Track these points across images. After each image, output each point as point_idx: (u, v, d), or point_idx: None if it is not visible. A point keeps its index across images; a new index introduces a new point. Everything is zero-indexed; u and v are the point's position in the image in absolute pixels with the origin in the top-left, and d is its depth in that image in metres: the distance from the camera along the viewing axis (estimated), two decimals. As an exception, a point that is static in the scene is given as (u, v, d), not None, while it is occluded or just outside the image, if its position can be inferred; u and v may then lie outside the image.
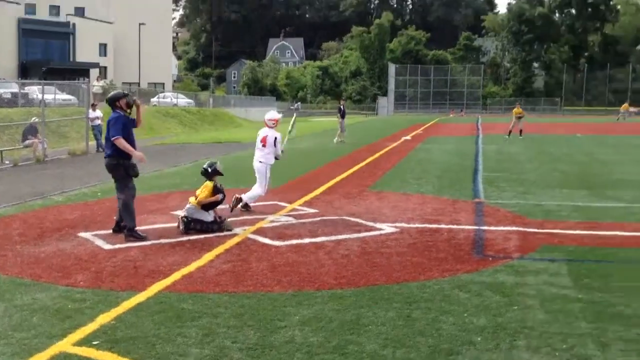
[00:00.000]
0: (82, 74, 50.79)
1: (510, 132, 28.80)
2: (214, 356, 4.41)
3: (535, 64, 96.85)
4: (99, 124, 21.10)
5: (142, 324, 5.02)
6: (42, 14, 61.39)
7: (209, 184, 8.63)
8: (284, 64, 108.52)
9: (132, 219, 8.02)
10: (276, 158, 10.12)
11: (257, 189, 9.99)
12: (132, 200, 8.09)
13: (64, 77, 42.69)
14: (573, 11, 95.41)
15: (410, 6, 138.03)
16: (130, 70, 62.50)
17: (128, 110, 8.23)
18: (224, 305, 5.49)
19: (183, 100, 49.18)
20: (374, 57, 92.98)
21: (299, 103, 41.60)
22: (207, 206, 8.47)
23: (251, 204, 9.93)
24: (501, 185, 13.18)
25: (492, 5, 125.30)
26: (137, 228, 8.09)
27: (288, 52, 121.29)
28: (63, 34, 58.07)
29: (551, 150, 22.60)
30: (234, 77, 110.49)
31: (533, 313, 5.32)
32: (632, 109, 75.80)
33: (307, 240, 8.01)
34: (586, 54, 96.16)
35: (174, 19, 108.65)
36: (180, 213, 8.80)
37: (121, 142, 7.87)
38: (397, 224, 9.07)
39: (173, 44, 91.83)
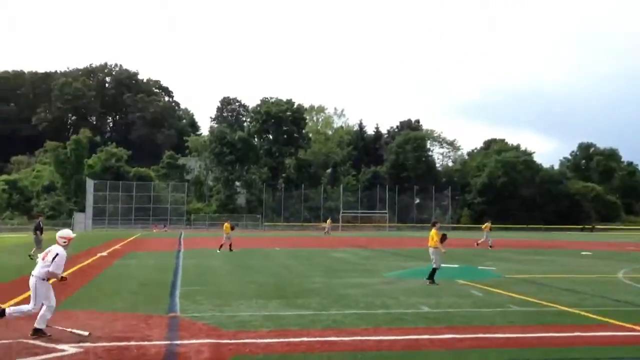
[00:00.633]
0: None
1: (221, 246, 29.74)
2: None
3: (238, 183, 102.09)
4: None
5: None
6: None
7: None
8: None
9: None
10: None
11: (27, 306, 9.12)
12: None
13: None
14: (270, 137, 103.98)
15: (112, 124, 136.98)
16: None
17: None
18: None
19: None
20: (70, 172, 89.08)
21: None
22: None
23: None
24: (198, 299, 13.02)
25: (195, 127, 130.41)
26: None
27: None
28: None
29: (251, 263, 23.35)
30: None
31: None
32: (324, 225, 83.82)
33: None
34: (284, 174, 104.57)
35: None
36: None
37: None
38: (82, 344, 8.27)
39: None
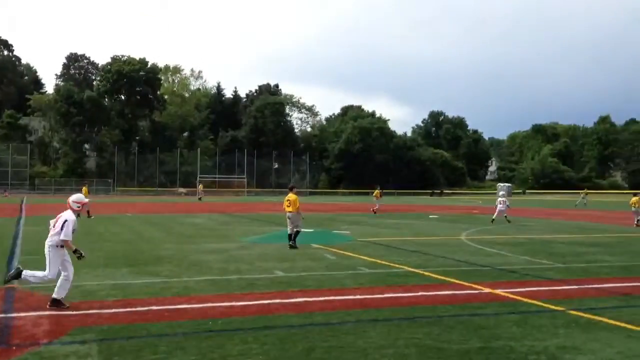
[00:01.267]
0: None
1: (88, 213, 27.83)
2: None
3: (87, 145, 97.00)
4: None
5: None
6: None
7: None
8: None
9: None
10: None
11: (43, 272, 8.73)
12: None
13: None
14: (123, 97, 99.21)
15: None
16: None
17: None
18: None
19: None
20: None
21: None
22: None
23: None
24: (39, 269, 12.11)
25: (39, 85, 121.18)
26: None
27: None
28: None
29: (100, 230, 22.25)
30: None
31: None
32: (182, 190, 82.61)
33: None
34: (137, 137, 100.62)
35: None
36: None
37: None
38: None
39: None
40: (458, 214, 37.07)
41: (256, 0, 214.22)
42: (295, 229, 16.85)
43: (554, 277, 12.05)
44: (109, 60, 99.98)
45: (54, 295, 8.50)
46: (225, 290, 10.15)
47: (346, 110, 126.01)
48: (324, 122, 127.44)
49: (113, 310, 8.37)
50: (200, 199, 61.04)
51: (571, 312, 8.62)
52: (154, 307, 8.65)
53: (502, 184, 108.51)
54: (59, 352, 6.32)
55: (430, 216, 34.42)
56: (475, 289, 10.54)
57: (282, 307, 8.77)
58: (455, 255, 15.31)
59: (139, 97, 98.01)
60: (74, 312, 8.21)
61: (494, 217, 28.97)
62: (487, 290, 10.41)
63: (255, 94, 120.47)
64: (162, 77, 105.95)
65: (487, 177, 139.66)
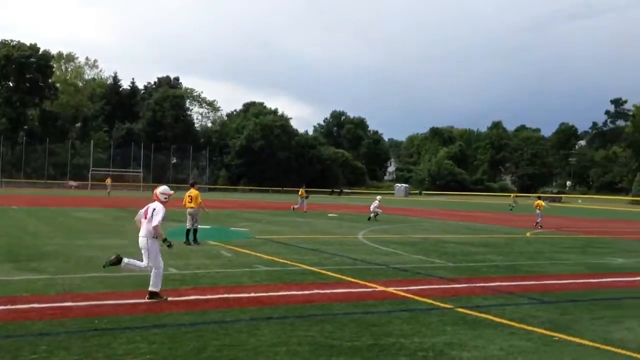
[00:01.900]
0: None
1: None
2: None
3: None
4: None
5: None
6: None
7: None
8: None
9: None
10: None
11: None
12: None
13: None
14: (10, 84, 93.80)
15: None
16: None
17: None
18: None
19: None
20: None
21: None
22: None
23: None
24: None
25: None
26: None
27: None
28: None
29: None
30: None
31: None
32: (72, 183, 79.07)
33: None
34: (25, 127, 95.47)
35: None
36: None
37: None
38: None
39: None
40: (357, 214, 37.69)
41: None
42: (193, 226, 16.55)
43: (444, 275, 12.45)
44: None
45: (151, 289, 8.72)
46: (114, 288, 9.76)
47: (248, 106, 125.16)
48: (225, 118, 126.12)
49: (-12, 309, 7.83)
50: (109, 193, 58.65)
51: (459, 310, 8.91)
52: (36, 305, 8.18)
53: (399, 185, 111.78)
54: None
55: (329, 215, 34.79)
56: (369, 287, 10.70)
57: (173, 305, 8.52)
58: (352, 254, 15.51)
59: (28, 85, 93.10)
60: (-56, 312, 7.60)
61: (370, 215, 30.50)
62: (380, 288, 10.59)
63: (154, 86, 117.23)
64: (55, 65, 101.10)
65: (386, 178, 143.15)
